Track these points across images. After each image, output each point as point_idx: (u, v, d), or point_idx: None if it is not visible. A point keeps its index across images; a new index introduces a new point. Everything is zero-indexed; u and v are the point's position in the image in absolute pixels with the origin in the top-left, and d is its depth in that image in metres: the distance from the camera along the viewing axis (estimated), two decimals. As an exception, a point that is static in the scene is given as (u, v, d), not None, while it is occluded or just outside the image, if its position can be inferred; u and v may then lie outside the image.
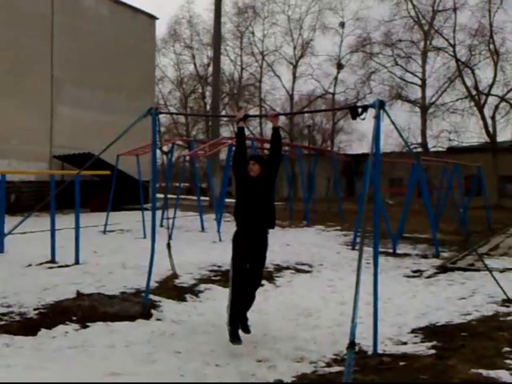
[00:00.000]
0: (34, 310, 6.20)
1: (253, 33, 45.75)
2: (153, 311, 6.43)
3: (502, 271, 9.05)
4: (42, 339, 5.35)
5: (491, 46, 34.33)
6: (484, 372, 4.41)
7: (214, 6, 28.13)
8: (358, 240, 12.11)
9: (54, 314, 6.04)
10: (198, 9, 64.35)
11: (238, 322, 5.40)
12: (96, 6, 25.28)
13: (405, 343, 5.53)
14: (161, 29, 52.98)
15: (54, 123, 22.69)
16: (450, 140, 36.71)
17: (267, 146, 24.89)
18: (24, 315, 6.02)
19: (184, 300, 7.21)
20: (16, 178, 19.62)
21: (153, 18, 29.07)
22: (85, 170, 8.88)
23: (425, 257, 11.55)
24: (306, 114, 50.51)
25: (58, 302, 6.52)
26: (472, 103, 35.58)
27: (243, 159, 5.64)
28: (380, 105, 5.02)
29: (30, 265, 9.16)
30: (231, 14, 44.95)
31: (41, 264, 9.25)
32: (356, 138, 49.62)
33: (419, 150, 35.15)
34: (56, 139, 22.64)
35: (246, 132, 6.16)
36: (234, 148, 7.17)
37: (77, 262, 9.41)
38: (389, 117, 5.29)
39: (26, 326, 5.63)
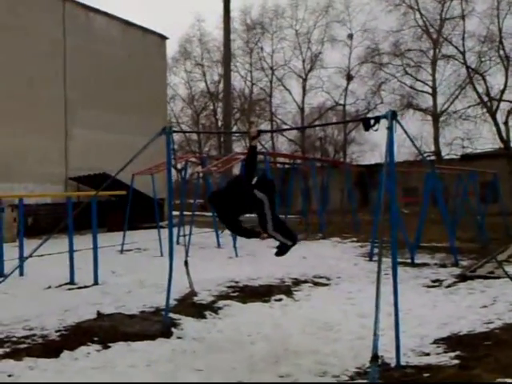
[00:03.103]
0: (56, 331, 6.24)
1: (262, 48, 46.11)
2: (173, 329, 6.43)
3: (522, 278, 8.94)
4: (65, 361, 5.37)
5: (501, 52, 34.18)
6: (510, 381, 4.36)
7: (223, 23, 28.43)
8: (375, 251, 12.06)
9: (76, 336, 6.07)
10: (209, 27, 65.13)
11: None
12: (107, 28, 25.60)
13: (428, 354, 5.47)
14: (171, 47, 53.42)
15: (68, 145, 22.90)
16: (463, 147, 36.49)
17: (280, 159, 24.96)
18: (46, 337, 6.05)
19: (203, 317, 7.20)
20: (32, 201, 19.80)
21: (163, 37, 29.36)
22: (101, 190, 8.96)
23: (444, 266, 11.45)
24: (318, 127, 50.61)
25: (78, 323, 6.57)
26: (484, 109, 35.39)
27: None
28: (392, 115, 5.02)
29: (49, 287, 9.23)
30: (240, 31, 45.46)
31: (60, 286, 9.32)
32: (368, 148, 49.62)
33: (433, 158, 34.99)
34: (71, 161, 22.84)
35: (258, 146, 6.24)
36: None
37: (96, 283, 9.47)
38: (402, 127, 5.28)
39: (49, 348, 5.66)
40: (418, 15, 36.68)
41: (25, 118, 20.56)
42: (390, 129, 4.99)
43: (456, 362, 5.09)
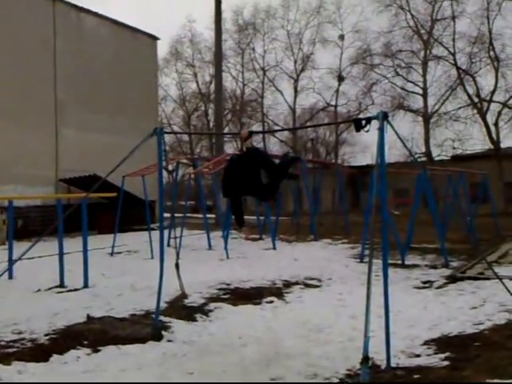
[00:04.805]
0: (45, 335, 6.20)
1: (253, 49, 46.21)
2: (164, 332, 6.40)
3: (512, 279, 8.98)
4: (54, 365, 5.33)
5: (491, 53, 34.41)
6: (499, 382, 4.38)
7: (215, 23, 28.39)
8: (366, 252, 12.07)
9: (65, 339, 6.03)
10: (200, 27, 65.06)
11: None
12: (97, 28, 25.50)
13: (418, 355, 5.48)
14: (162, 48, 53.31)
15: (58, 146, 22.76)
16: (454, 148, 36.70)
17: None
18: (35, 341, 6.01)
19: (194, 320, 7.18)
20: (22, 203, 19.70)
21: (154, 38, 29.28)
22: (92, 192, 8.91)
23: (434, 267, 11.48)
24: (310, 128, 50.70)
25: (68, 327, 6.53)
26: (474, 111, 35.61)
27: None
28: (383, 116, 5.03)
29: (39, 290, 9.17)
30: (232, 32, 45.49)
31: (50, 289, 9.26)
32: (360, 149, 49.87)
33: (423, 159, 35.12)
34: (61, 162, 22.71)
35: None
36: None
37: (86, 286, 9.41)
38: (393, 128, 5.28)
39: (38, 352, 5.62)
40: (408, 16, 36.92)
41: (14, 119, 20.43)
42: (381, 130, 4.99)
43: (446, 363, 5.10)
